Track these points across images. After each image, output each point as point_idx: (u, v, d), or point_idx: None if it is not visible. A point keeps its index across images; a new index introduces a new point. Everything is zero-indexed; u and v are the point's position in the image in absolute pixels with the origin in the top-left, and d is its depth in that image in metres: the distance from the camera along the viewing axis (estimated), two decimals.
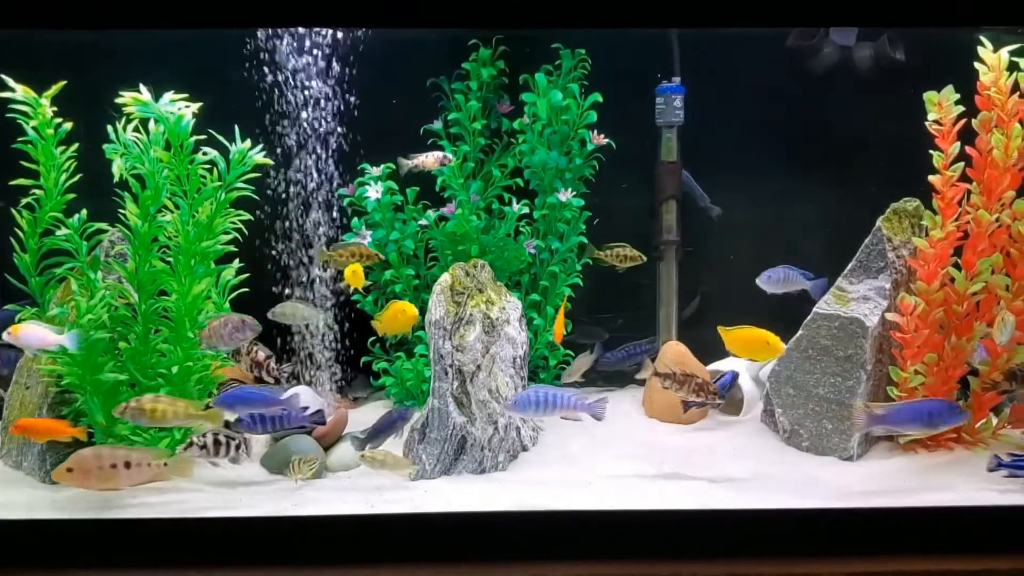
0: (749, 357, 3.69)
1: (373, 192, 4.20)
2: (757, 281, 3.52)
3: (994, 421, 3.61)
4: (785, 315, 3.74)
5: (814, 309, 3.67)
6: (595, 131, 4.31)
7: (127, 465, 2.92)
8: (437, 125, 4.42)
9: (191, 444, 3.01)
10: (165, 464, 2.97)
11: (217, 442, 3.03)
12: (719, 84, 4.38)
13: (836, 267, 3.73)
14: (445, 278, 3.59)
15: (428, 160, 3.85)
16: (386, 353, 4.40)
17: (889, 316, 3.51)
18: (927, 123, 3.45)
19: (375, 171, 4.25)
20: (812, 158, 4.44)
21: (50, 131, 3.36)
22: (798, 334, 3.68)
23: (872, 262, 3.65)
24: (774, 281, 3.51)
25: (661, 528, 2.80)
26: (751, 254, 3.52)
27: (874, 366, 3.55)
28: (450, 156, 3.98)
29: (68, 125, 3.40)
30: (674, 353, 4.23)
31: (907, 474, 3.35)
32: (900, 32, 4.19)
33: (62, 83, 3.33)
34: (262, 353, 3.55)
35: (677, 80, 4.35)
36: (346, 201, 4.29)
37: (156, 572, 2.68)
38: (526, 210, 4.32)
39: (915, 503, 3.03)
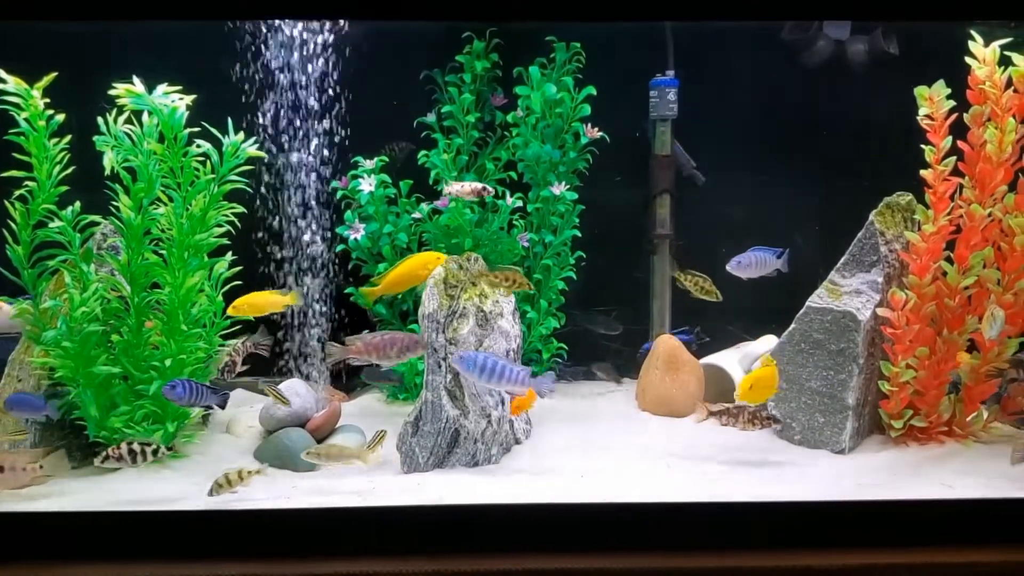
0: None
1: (366, 185, 4.19)
2: (728, 268, 3.43)
3: (985, 414, 3.63)
4: (779, 305, 3.77)
5: (807, 303, 3.67)
6: (589, 124, 4.31)
7: (0, 470, 2.98)
8: (431, 118, 4.41)
9: (107, 457, 3.05)
10: (40, 467, 3.04)
11: (132, 452, 3.07)
12: (712, 77, 4.38)
13: (829, 260, 3.74)
14: (438, 271, 3.59)
15: (464, 189, 3.85)
16: None
17: (880, 311, 3.51)
18: (919, 118, 3.46)
19: (368, 164, 4.25)
20: (806, 152, 4.44)
21: (42, 123, 3.34)
22: (790, 328, 3.69)
23: (865, 256, 3.65)
24: (744, 266, 3.41)
25: (652, 521, 2.81)
26: (744, 248, 3.49)
27: (866, 360, 3.56)
28: (490, 189, 3.95)
29: (60, 117, 3.38)
30: (667, 347, 4.24)
31: (898, 467, 3.37)
32: (894, 26, 4.20)
33: (53, 74, 3.31)
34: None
35: (671, 74, 4.35)
36: (339, 194, 4.29)
37: (139, 566, 2.68)
38: (519, 203, 4.32)
39: (906, 496, 3.05)
